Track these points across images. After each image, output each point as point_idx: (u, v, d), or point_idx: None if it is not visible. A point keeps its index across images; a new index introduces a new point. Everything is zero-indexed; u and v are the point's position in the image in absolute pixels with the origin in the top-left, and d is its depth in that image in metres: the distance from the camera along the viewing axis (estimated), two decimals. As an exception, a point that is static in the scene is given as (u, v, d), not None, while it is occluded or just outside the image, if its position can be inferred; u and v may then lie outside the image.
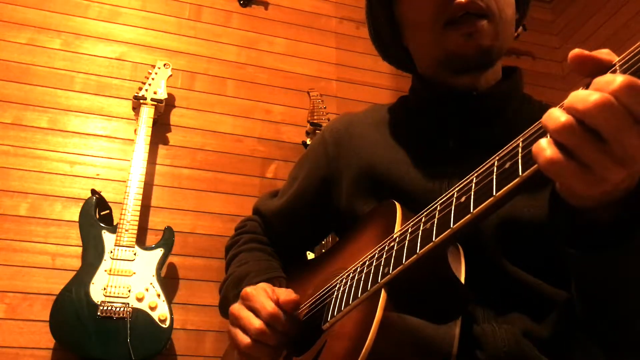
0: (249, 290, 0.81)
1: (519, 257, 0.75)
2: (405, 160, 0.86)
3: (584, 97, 0.45)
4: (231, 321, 0.81)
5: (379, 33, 0.96)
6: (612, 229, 0.56)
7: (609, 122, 0.44)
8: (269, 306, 0.77)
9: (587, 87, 0.48)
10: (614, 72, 0.46)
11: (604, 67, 0.48)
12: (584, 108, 0.45)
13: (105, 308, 1.89)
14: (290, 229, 1.05)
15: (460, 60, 0.82)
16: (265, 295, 0.79)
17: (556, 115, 0.47)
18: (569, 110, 0.46)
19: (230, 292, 0.94)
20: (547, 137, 0.48)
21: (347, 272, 0.77)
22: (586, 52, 0.48)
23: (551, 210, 0.69)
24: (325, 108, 2.53)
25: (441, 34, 0.81)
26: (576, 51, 0.48)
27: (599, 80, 0.46)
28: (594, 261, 0.58)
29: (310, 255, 1.81)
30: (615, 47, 0.48)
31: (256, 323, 0.76)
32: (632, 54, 0.46)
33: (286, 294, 0.79)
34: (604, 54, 0.48)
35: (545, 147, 0.47)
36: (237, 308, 0.80)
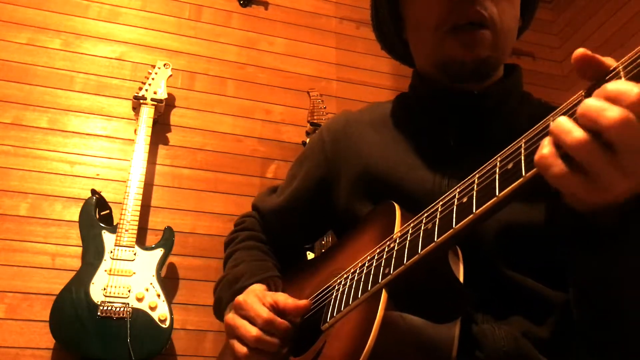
0: (241, 299, 0.81)
1: (518, 261, 0.75)
2: (403, 160, 0.86)
3: (601, 110, 0.43)
4: (228, 332, 0.82)
5: (381, 24, 0.96)
6: (614, 230, 0.56)
7: (626, 138, 0.43)
8: (264, 312, 0.77)
9: (589, 93, 0.47)
10: (617, 74, 0.46)
11: (606, 71, 0.47)
12: (605, 124, 0.43)
13: (105, 308, 1.88)
14: (288, 227, 1.05)
15: (456, 67, 0.82)
16: (259, 302, 0.79)
17: (569, 128, 0.45)
18: (585, 125, 0.45)
19: (224, 293, 0.94)
20: (549, 142, 0.47)
21: (346, 273, 0.77)
22: (591, 54, 0.47)
23: (553, 211, 0.69)
24: (325, 108, 2.53)
25: (441, 39, 0.82)
26: (581, 51, 0.47)
27: (612, 89, 0.44)
28: (594, 260, 0.58)
29: (311, 256, 1.81)
30: (615, 47, 0.48)
31: (253, 331, 0.76)
32: (635, 56, 0.45)
33: (284, 298, 0.79)
34: (608, 59, 0.47)
35: (552, 164, 0.46)
36: (231, 318, 0.81)
